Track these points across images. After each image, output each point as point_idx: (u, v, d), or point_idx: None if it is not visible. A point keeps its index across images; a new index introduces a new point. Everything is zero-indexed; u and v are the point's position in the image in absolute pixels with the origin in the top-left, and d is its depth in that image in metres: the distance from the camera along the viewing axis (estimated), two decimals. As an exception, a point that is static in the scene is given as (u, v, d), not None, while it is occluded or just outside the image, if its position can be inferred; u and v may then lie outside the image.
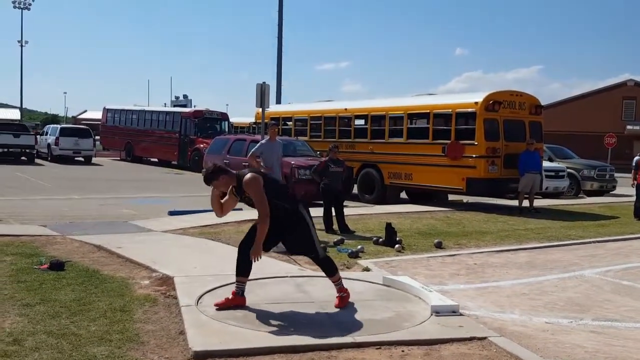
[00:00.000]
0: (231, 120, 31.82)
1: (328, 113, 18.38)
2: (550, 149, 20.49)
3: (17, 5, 58.93)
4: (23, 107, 69.12)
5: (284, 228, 5.53)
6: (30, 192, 16.00)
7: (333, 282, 5.74)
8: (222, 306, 5.42)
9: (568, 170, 19.33)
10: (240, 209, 8.96)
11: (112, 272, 6.88)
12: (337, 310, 5.54)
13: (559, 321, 5.70)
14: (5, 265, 6.97)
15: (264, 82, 16.60)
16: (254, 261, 5.43)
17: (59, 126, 32.34)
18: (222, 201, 5.63)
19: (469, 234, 10.73)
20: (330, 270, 5.76)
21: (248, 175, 5.33)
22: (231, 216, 6.12)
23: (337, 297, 5.69)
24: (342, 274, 7.01)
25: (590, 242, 10.36)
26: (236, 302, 5.49)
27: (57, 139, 29.35)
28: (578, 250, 9.60)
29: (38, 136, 30.71)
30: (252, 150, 10.79)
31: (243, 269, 5.54)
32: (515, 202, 14.84)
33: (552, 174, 18.32)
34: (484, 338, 4.87)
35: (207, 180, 5.46)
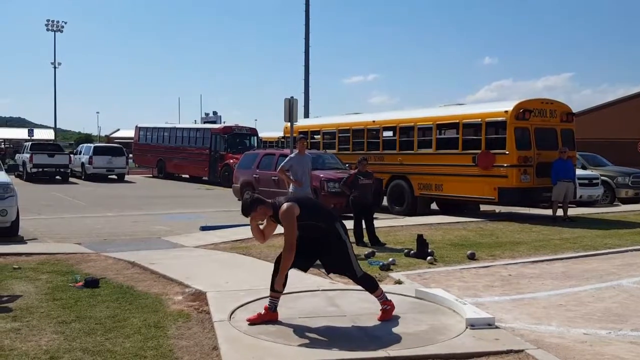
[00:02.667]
0: (260, 135, 32.01)
1: (356, 125, 18.38)
2: (583, 156, 20.15)
3: (50, 28, 60.31)
4: (57, 127, 70.51)
5: (321, 247, 5.54)
6: (65, 211, 16.29)
7: (376, 297, 5.70)
8: (254, 322, 5.42)
9: (602, 177, 18.98)
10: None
11: (146, 289, 6.95)
12: (370, 324, 5.50)
13: (597, 332, 5.57)
14: (42, 284, 7.09)
15: (292, 97, 16.69)
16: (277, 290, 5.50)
17: (92, 145, 32.93)
18: (262, 227, 5.66)
19: (502, 244, 10.58)
20: (371, 286, 5.73)
21: (284, 206, 5.36)
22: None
23: (380, 309, 5.65)
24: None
25: (626, 251, 10.12)
26: (269, 317, 5.49)
27: (90, 157, 29.88)
28: (614, 260, 9.38)
29: (72, 155, 31.29)
30: (282, 164, 10.83)
31: (278, 284, 5.54)
32: (548, 212, 14.61)
33: (586, 181, 18.01)
34: (521, 351, 4.78)
35: (246, 212, 5.50)
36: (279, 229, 5.62)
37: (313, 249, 5.53)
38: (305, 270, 5.84)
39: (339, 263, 5.64)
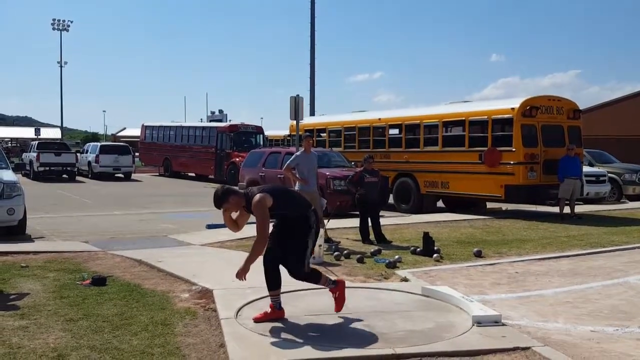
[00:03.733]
0: (266, 133, 32.03)
1: (362, 123, 18.37)
2: (590, 153, 20.07)
3: (57, 27, 60.54)
4: (64, 126, 70.82)
5: (288, 237, 5.48)
6: (72, 209, 16.35)
7: (322, 286, 5.70)
8: (260, 320, 5.43)
9: (609, 174, 18.91)
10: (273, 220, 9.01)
11: (153, 286, 6.97)
12: (376, 321, 5.49)
13: (605, 329, 5.56)
14: (49, 282, 7.12)
15: (297, 95, 16.70)
16: (240, 280, 5.41)
17: (98, 144, 33.03)
18: (235, 217, 5.64)
19: (509, 242, 10.56)
20: (313, 280, 5.67)
21: (256, 197, 5.30)
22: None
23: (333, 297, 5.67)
24: (379, 284, 7.00)
25: (634, 248, 10.08)
26: (275, 315, 5.50)
27: (97, 156, 29.98)
28: (622, 257, 9.35)
29: (79, 154, 31.39)
30: (287, 162, 10.83)
31: (273, 282, 5.54)
32: (555, 209, 14.57)
33: (593, 179, 17.95)
34: (528, 348, 4.77)
35: (218, 204, 5.47)
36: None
37: (285, 243, 5.48)
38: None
39: (292, 249, 5.48)
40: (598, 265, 8.63)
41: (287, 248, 5.50)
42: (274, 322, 5.39)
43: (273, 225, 5.51)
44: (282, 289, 5.63)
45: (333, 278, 5.90)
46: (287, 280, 5.66)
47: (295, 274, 5.56)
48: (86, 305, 6.05)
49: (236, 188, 5.61)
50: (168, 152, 32.87)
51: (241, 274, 5.39)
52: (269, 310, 5.52)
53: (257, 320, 5.43)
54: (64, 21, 60.93)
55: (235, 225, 5.68)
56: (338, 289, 5.70)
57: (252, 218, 5.44)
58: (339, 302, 5.69)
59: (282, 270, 5.56)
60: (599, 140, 27.70)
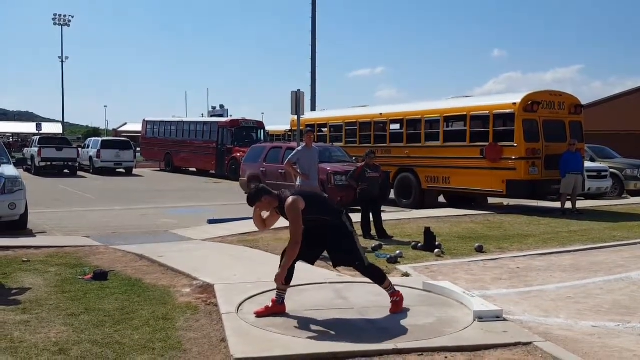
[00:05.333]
0: (267, 128, 32.01)
1: (363, 118, 18.34)
2: (592, 149, 20.04)
3: (57, 22, 60.52)
4: (65, 121, 70.85)
5: (328, 241, 5.54)
6: (74, 204, 16.36)
7: (384, 288, 5.68)
8: (262, 314, 5.43)
9: (611, 170, 18.87)
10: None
11: (154, 281, 6.98)
12: (378, 316, 5.50)
13: (606, 325, 5.55)
14: (50, 276, 7.13)
15: (298, 90, 16.66)
16: (277, 284, 5.50)
17: (100, 139, 33.04)
18: (265, 217, 5.66)
19: (510, 237, 10.55)
20: (379, 278, 5.71)
21: (290, 200, 5.35)
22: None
23: (391, 302, 5.63)
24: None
25: (635, 243, 10.06)
26: (276, 309, 5.50)
27: (98, 151, 30.00)
28: (623, 252, 9.34)
29: (80, 149, 31.40)
30: (289, 157, 10.82)
31: (285, 277, 5.55)
32: (557, 204, 14.56)
33: (595, 174, 17.93)
34: (529, 343, 4.76)
35: (251, 202, 5.52)
36: (281, 222, 5.60)
37: (320, 242, 5.53)
38: (312, 263, 5.84)
39: (346, 256, 5.63)
40: (600, 261, 8.63)
41: (339, 248, 5.56)
42: (275, 317, 5.39)
43: (305, 229, 5.42)
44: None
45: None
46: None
47: (361, 267, 5.63)
48: (87, 300, 6.06)
49: (270, 189, 5.62)
50: (169, 147, 32.87)
51: (279, 278, 5.49)
52: (270, 304, 5.53)
53: (258, 314, 5.43)
54: (65, 16, 60.94)
55: (263, 225, 5.72)
56: (399, 294, 5.68)
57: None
58: (398, 306, 5.61)
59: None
60: (601, 136, 27.66)
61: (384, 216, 11.18)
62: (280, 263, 5.59)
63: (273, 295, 5.62)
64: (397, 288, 5.76)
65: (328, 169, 14.48)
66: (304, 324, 5.27)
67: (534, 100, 14.07)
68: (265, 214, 5.66)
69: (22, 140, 59.29)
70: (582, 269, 8.04)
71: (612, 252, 9.36)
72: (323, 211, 5.55)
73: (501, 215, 13.62)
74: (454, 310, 5.68)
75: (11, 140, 64.52)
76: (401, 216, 13.25)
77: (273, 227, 5.98)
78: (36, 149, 28.69)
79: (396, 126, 17.18)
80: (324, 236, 5.53)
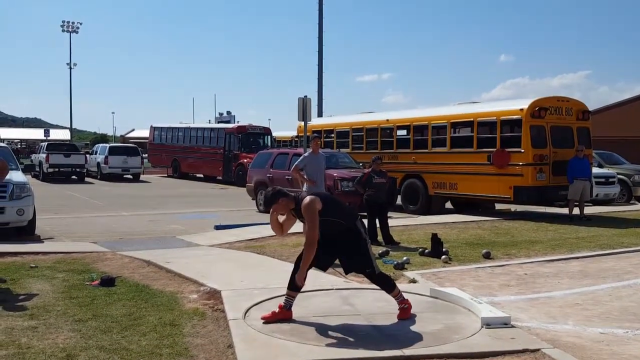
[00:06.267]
0: (274, 134, 32.06)
1: (370, 124, 18.35)
2: (600, 155, 19.97)
3: (66, 29, 60.86)
4: (73, 127, 71.17)
5: (340, 246, 5.52)
6: (81, 210, 16.42)
7: (393, 297, 5.67)
8: (269, 320, 5.43)
9: (618, 176, 18.81)
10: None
11: (162, 287, 6.98)
12: (385, 322, 5.48)
13: (614, 331, 5.52)
14: (58, 282, 7.15)
15: (305, 96, 16.68)
16: (298, 284, 5.47)
17: (107, 145, 33.17)
18: (281, 221, 5.65)
19: (518, 243, 10.51)
20: (388, 286, 5.69)
21: (307, 199, 5.34)
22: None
23: (399, 309, 5.61)
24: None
25: (645, 250, 10.01)
26: (283, 315, 5.49)
27: (106, 157, 30.12)
28: (632, 258, 9.29)
29: (88, 155, 31.53)
30: (296, 163, 10.83)
31: (295, 284, 5.54)
32: (565, 210, 14.50)
33: (602, 180, 17.87)
34: (537, 350, 4.74)
35: (267, 204, 5.49)
36: (296, 228, 5.59)
37: (332, 248, 5.50)
38: (324, 269, 5.78)
39: (359, 261, 5.59)
40: (608, 267, 8.58)
41: (352, 254, 5.54)
42: (282, 323, 5.38)
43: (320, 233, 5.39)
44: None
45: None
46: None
47: (373, 274, 5.60)
48: (95, 306, 6.07)
49: (286, 191, 5.60)
50: (176, 153, 32.97)
51: (299, 280, 5.46)
52: (277, 310, 5.52)
53: (265, 319, 5.43)
54: (73, 23, 61.29)
55: (280, 229, 5.69)
56: (407, 302, 5.66)
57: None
58: (406, 313, 5.59)
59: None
60: (609, 142, 27.55)
61: (391, 222, 11.17)
62: (293, 270, 5.55)
63: (280, 301, 5.61)
64: (404, 295, 5.75)
65: (335, 175, 14.48)
66: (311, 330, 5.26)
67: (541, 106, 14.04)
68: (281, 218, 5.64)
69: (30, 146, 59.62)
70: (590, 276, 8.00)
71: (621, 258, 9.31)
72: (339, 214, 5.52)
73: (509, 222, 13.57)
74: (462, 317, 5.66)
75: (19, 146, 64.89)
76: (408, 222, 13.23)
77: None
78: (44, 155, 28.82)
79: (403, 132, 17.18)
80: (336, 241, 5.50)
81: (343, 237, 5.50)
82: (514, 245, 10.31)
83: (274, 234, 9.80)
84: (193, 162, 31.69)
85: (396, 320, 5.53)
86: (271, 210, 5.53)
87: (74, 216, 14.99)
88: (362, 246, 5.55)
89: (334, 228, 5.43)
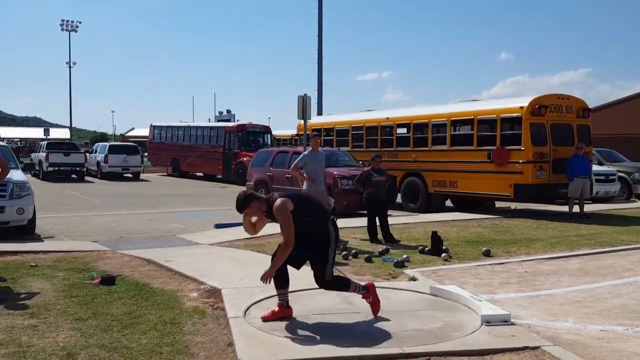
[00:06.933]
0: (273, 132, 32.05)
1: (370, 123, 18.35)
2: (600, 152, 19.96)
3: (65, 28, 60.76)
4: (72, 126, 71.15)
5: (311, 244, 5.47)
6: (81, 209, 16.41)
7: (355, 293, 5.67)
8: (268, 318, 5.43)
9: (619, 173, 18.80)
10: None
11: (162, 285, 6.99)
12: (384, 320, 5.49)
13: (615, 329, 5.52)
14: (58, 281, 7.15)
15: (305, 94, 16.69)
16: (264, 283, 5.43)
17: (107, 144, 33.15)
18: (253, 221, 5.64)
19: (518, 241, 10.52)
20: (340, 287, 5.68)
21: (277, 202, 5.34)
22: (275, 228, 6.18)
23: (368, 305, 5.64)
24: (388, 283, 7.00)
25: (645, 247, 10.01)
26: (283, 314, 5.50)
27: (106, 156, 30.09)
28: (632, 256, 9.29)
29: (87, 154, 31.52)
30: (295, 161, 10.83)
31: (281, 281, 5.54)
32: (565, 208, 14.51)
33: (602, 178, 17.86)
34: (537, 347, 4.75)
35: (240, 208, 5.47)
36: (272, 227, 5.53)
37: (305, 246, 5.44)
38: (298, 267, 5.72)
39: (314, 255, 5.51)
40: (608, 265, 8.59)
41: (311, 253, 5.50)
42: (282, 321, 5.39)
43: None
44: (290, 288, 5.63)
45: (362, 283, 5.86)
46: (294, 279, 5.67)
47: (321, 279, 5.53)
48: (95, 304, 6.07)
49: (258, 194, 5.62)
50: (176, 152, 32.96)
51: (266, 277, 5.41)
52: (276, 309, 5.52)
53: (265, 318, 5.43)
54: (72, 22, 61.18)
55: (253, 229, 5.69)
56: (370, 294, 5.67)
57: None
58: (375, 306, 5.64)
59: (291, 269, 5.56)
60: (609, 139, 27.55)
61: (391, 220, 11.17)
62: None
63: (278, 300, 5.62)
64: (404, 293, 5.74)
65: (335, 173, 14.48)
66: (310, 328, 5.26)
67: (541, 104, 14.03)
68: (254, 219, 5.64)
69: (30, 145, 59.62)
70: (590, 273, 8.00)
71: (621, 256, 9.32)
72: (309, 213, 5.50)
73: (509, 219, 13.58)
74: (462, 315, 5.67)
75: (19, 145, 64.87)
76: (408, 220, 13.23)
77: (279, 232, 5.95)
78: (44, 154, 28.81)
79: (403, 130, 17.17)
80: (308, 240, 5.45)
81: (314, 236, 5.47)
82: (514, 243, 10.32)
83: (273, 233, 9.84)
84: (193, 161, 31.68)
85: (395, 318, 5.53)
86: (244, 213, 5.52)
87: (74, 215, 14.99)
88: (324, 246, 5.49)
89: (306, 227, 5.41)
